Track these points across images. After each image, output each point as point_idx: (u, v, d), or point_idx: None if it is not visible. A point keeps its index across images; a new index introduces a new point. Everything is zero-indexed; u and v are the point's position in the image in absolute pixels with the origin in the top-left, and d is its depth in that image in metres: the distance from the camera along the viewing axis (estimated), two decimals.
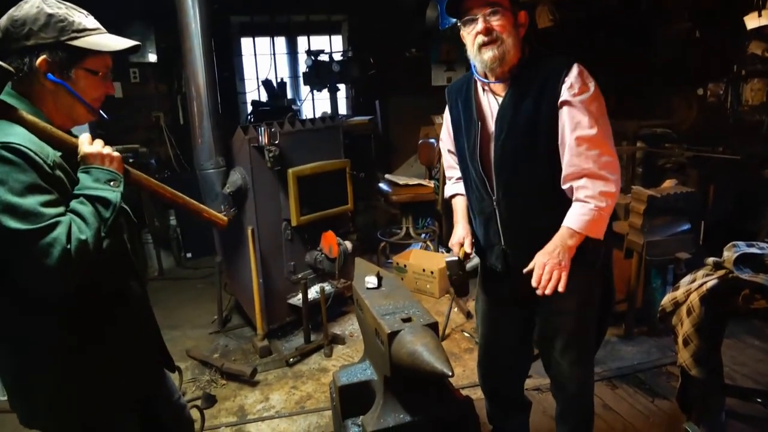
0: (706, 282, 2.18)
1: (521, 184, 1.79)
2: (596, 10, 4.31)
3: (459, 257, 1.94)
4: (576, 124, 1.67)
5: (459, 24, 1.75)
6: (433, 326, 1.81)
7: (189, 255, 5.28)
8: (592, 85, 1.68)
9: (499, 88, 1.79)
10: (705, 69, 4.78)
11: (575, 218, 1.69)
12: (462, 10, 1.70)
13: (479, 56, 1.71)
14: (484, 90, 1.84)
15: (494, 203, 1.85)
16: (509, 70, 1.74)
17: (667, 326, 2.42)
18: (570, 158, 1.69)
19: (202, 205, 1.60)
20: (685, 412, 2.40)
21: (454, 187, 2.13)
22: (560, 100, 1.67)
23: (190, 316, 4.05)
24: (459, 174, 2.07)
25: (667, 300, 2.32)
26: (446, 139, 2.10)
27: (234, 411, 2.89)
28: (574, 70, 1.67)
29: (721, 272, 2.18)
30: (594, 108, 1.67)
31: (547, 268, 1.65)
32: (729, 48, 4.45)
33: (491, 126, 1.81)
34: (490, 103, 1.82)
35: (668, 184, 3.83)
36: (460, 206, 2.09)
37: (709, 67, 4.73)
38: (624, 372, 3.01)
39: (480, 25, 1.66)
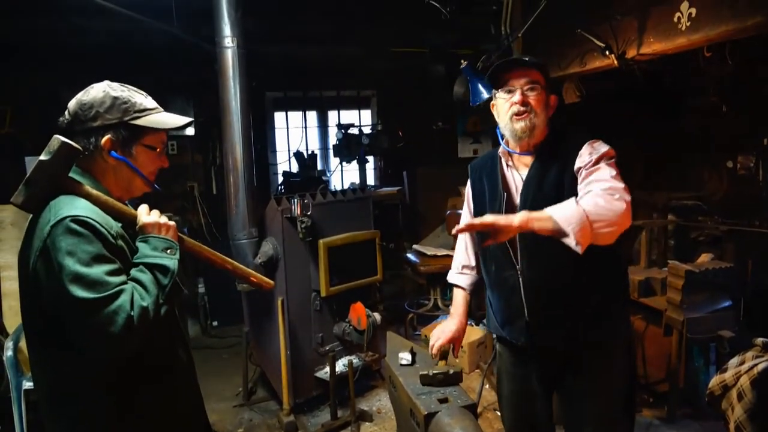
0: (757, 364, 2.08)
1: (546, 253, 1.77)
2: (622, 82, 4.39)
3: (431, 371, 1.86)
4: (590, 173, 1.69)
5: (496, 93, 1.85)
6: (472, 408, 1.74)
7: (215, 323, 5.26)
8: (603, 148, 1.73)
9: (524, 162, 1.85)
10: (733, 141, 4.78)
11: (558, 206, 1.53)
12: (501, 81, 1.82)
13: (510, 125, 1.80)
14: (508, 165, 1.90)
15: (518, 273, 1.83)
16: (535, 144, 1.82)
17: (716, 410, 2.29)
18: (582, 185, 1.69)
19: (249, 270, 1.64)
20: None
21: (457, 277, 2.17)
22: (576, 166, 1.73)
23: (215, 387, 3.98)
24: (465, 262, 2.12)
25: (715, 383, 2.22)
26: (466, 215, 2.10)
27: None
28: (586, 146, 1.74)
29: None
30: (607, 166, 1.69)
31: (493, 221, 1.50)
32: (757, 120, 4.46)
33: (516, 198, 1.85)
34: (515, 178, 1.87)
35: (704, 258, 3.75)
36: (460, 298, 2.15)
37: (737, 140, 4.72)
38: None
39: (517, 96, 1.78)
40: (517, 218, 1.48)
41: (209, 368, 4.33)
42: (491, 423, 3.32)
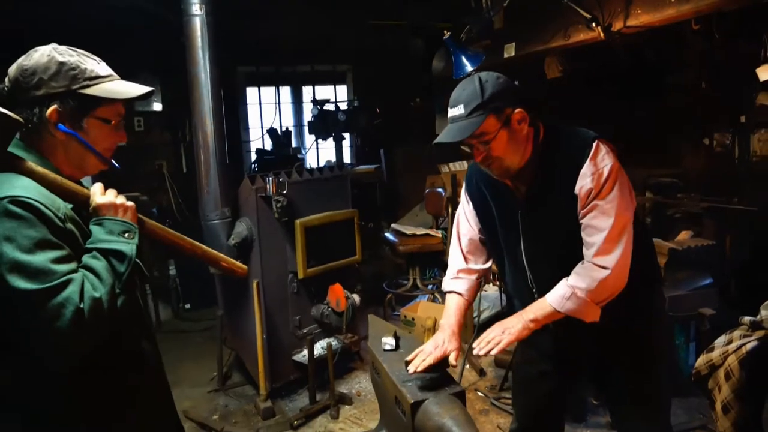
0: (745, 344, 2.04)
1: (558, 276, 1.66)
2: (604, 60, 4.33)
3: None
4: (590, 218, 1.59)
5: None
6: (461, 395, 1.66)
7: (188, 306, 5.11)
8: (606, 170, 1.56)
9: (520, 181, 1.71)
10: (711, 119, 4.77)
11: (554, 295, 1.61)
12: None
13: (486, 170, 1.69)
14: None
15: (534, 295, 1.74)
16: (524, 166, 1.66)
17: (702, 390, 2.26)
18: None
19: (220, 254, 1.50)
20: None
21: (453, 283, 1.92)
22: (578, 188, 1.58)
23: (189, 372, 3.85)
24: (461, 265, 1.92)
25: (701, 362, 2.18)
26: (465, 224, 1.93)
27: None
28: (588, 164, 1.57)
29: (761, 333, 2.05)
30: (609, 204, 1.56)
31: (492, 335, 1.62)
32: (735, 97, 4.46)
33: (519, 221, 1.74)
34: (516, 191, 1.74)
35: (684, 235, 3.75)
36: (454, 306, 1.87)
37: (716, 118, 4.72)
38: None
39: (476, 154, 1.63)
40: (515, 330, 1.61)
41: (182, 353, 4.20)
42: (472, 403, 3.28)
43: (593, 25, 2.90)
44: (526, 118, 1.62)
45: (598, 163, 1.57)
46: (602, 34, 2.90)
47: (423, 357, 1.69)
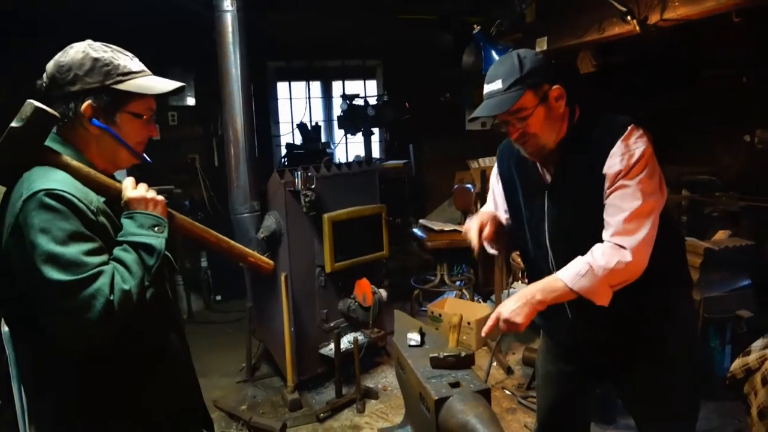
0: None
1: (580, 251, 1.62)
2: (638, 54, 4.21)
3: (442, 354, 1.74)
4: (614, 198, 1.54)
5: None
6: (485, 393, 1.66)
7: (219, 297, 5.21)
8: (638, 152, 1.52)
9: (550, 160, 1.69)
10: (751, 115, 4.61)
11: (569, 272, 1.55)
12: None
13: (519, 147, 1.66)
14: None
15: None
16: (556, 147, 1.64)
17: (737, 394, 2.20)
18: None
19: (247, 249, 1.53)
20: None
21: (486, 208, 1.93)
22: (606, 168, 1.55)
23: (219, 362, 3.93)
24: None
25: (737, 366, 2.12)
26: (491, 202, 1.93)
27: None
28: (619, 145, 1.53)
29: None
30: (636, 185, 1.52)
31: (500, 324, 1.54)
32: None
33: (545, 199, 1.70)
34: (543, 174, 1.71)
35: (721, 235, 3.63)
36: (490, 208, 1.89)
37: (757, 113, 4.55)
38: None
39: (512, 131, 1.61)
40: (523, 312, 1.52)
41: (213, 343, 4.28)
42: (499, 401, 3.25)
43: (628, 18, 2.82)
44: (563, 95, 1.60)
45: (630, 145, 1.53)
46: (638, 28, 2.81)
47: (475, 230, 1.70)
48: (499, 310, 1.55)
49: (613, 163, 1.53)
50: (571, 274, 1.52)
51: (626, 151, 1.52)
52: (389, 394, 3.39)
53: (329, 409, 3.18)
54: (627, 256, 1.49)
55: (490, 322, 1.55)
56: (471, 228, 1.71)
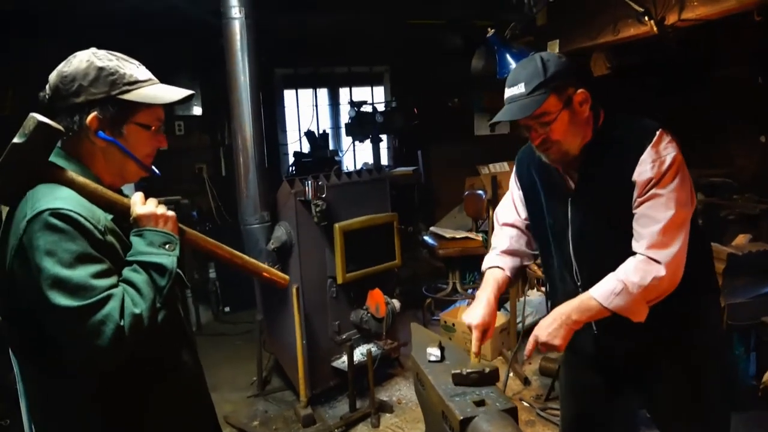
0: None
1: (605, 268, 1.56)
2: (653, 55, 4.14)
3: (465, 370, 1.63)
4: (647, 208, 1.48)
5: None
6: (512, 412, 1.57)
7: (227, 309, 5.15)
8: (669, 159, 1.46)
9: (572, 167, 1.62)
10: (766, 115, 4.52)
11: (602, 290, 1.49)
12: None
13: (542, 154, 1.60)
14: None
15: (579, 288, 1.64)
16: (579, 152, 1.57)
17: None
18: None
19: (261, 264, 1.46)
20: None
21: (496, 258, 1.83)
22: (635, 176, 1.48)
23: (228, 376, 3.86)
24: (503, 247, 1.83)
25: None
26: (510, 207, 1.86)
27: None
28: (649, 151, 1.47)
29: None
30: (669, 194, 1.45)
31: (539, 347, 1.54)
32: None
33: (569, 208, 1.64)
34: (566, 180, 1.65)
35: (742, 239, 3.54)
36: (492, 278, 1.77)
37: None
38: None
39: (534, 136, 1.55)
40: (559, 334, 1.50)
41: (222, 356, 4.21)
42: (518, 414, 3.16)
43: (645, 18, 2.76)
44: (588, 99, 1.54)
45: (661, 151, 1.47)
46: (655, 28, 2.75)
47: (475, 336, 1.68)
48: (536, 333, 1.52)
49: (644, 170, 1.47)
50: (605, 293, 1.47)
51: (657, 157, 1.47)
52: (404, 408, 3.31)
53: (343, 424, 3.11)
54: (661, 271, 1.43)
55: (529, 345, 1.53)
56: (473, 330, 1.69)
